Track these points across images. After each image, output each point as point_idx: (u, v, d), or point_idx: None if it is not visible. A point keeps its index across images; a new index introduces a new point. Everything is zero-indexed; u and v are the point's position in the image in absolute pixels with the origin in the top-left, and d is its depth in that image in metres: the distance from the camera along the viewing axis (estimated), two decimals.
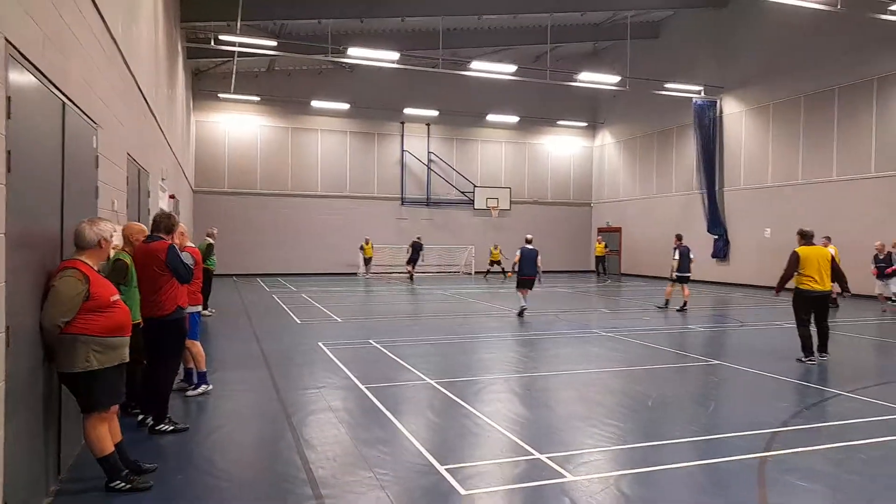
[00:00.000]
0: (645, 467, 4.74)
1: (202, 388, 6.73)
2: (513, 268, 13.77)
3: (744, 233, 23.22)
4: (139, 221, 7.91)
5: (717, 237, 23.98)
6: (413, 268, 25.48)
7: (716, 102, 24.23)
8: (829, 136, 20.01)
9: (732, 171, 23.77)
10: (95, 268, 4.14)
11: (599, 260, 28.67)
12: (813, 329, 8.75)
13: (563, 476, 4.53)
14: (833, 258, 8.76)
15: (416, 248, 25.53)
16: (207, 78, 25.86)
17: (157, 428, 5.38)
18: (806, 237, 8.81)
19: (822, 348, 8.78)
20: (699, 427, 5.85)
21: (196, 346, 6.74)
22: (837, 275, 8.74)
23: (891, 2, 15.51)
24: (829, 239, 15.06)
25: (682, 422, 6.09)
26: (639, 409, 6.50)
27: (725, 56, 23.66)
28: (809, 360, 8.59)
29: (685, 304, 14.99)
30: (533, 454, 4.99)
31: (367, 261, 26.14)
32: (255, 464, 4.94)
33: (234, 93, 24.39)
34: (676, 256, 15.04)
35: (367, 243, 25.93)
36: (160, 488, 4.28)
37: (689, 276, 15.11)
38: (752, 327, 12.69)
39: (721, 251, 23.87)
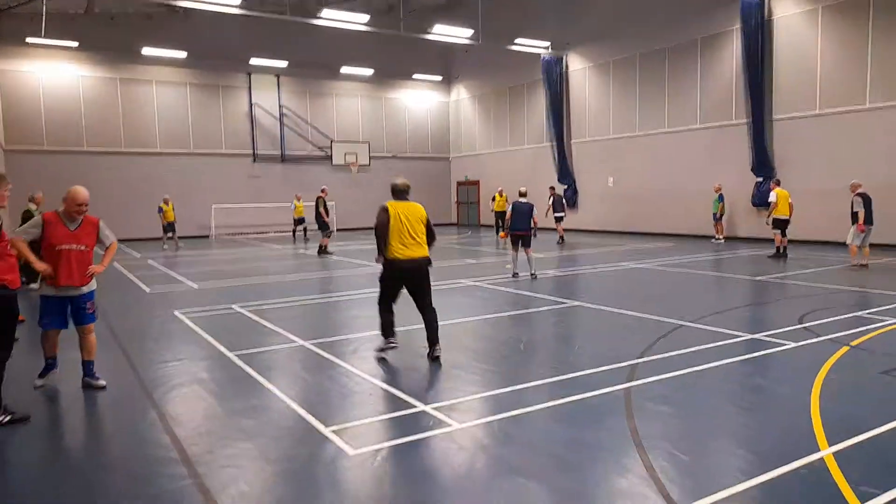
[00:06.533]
0: (525, 407, 4.93)
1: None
2: (506, 224, 12.53)
3: (590, 182, 24.83)
4: None
5: (566, 187, 25.42)
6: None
7: (562, 58, 25.31)
8: (661, 92, 21.75)
9: (579, 124, 25.16)
10: None
11: (500, 216, 22.82)
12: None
13: (450, 425, 4.57)
14: (428, 219, 6.42)
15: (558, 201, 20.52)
16: (10, 19, 22.28)
17: None
18: (397, 193, 6.41)
19: (433, 341, 6.32)
20: (569, 365, 6.19)
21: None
22: (429, 237, 6.42)
23: None
24: (777, 182, 15.18)
25: (553, 362, 6.41)
26: (511, 354, 6.74)
27: (570, 13, 24.65)
28: (390, 344, 6.42)
29: None
30: (417, 406, 4.99)
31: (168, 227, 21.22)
32: (118, 449, 4.45)
33: (46, 37, 21.31)
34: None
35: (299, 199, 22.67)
36: None
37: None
38: (602, 269, 13.68)
39: (570, 200, 25.36)
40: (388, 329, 6.45)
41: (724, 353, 6.36)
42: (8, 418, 4.73)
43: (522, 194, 12.56)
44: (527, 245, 12.24)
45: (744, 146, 18.93)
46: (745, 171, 18.82)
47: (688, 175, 20.79)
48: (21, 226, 5.92)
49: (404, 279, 6.34)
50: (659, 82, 21.77)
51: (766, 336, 7.06)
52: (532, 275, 12.13)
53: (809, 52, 17.59)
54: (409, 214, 6.30)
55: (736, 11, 18.70)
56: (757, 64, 18.26)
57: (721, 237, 19.04)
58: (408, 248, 6.22)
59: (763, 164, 18.47)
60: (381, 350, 6.48)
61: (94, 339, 5.73)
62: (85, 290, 5.60)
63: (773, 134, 18.49)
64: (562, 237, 20.08)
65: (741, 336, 7.09)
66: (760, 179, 18.51)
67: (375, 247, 6.34)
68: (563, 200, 20.70)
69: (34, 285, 11.20)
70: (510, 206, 12.39)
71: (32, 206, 11.60)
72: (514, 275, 12.23)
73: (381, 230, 6.24)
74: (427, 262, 6.35)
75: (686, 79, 20.87)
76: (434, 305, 6.44)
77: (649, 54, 21.97)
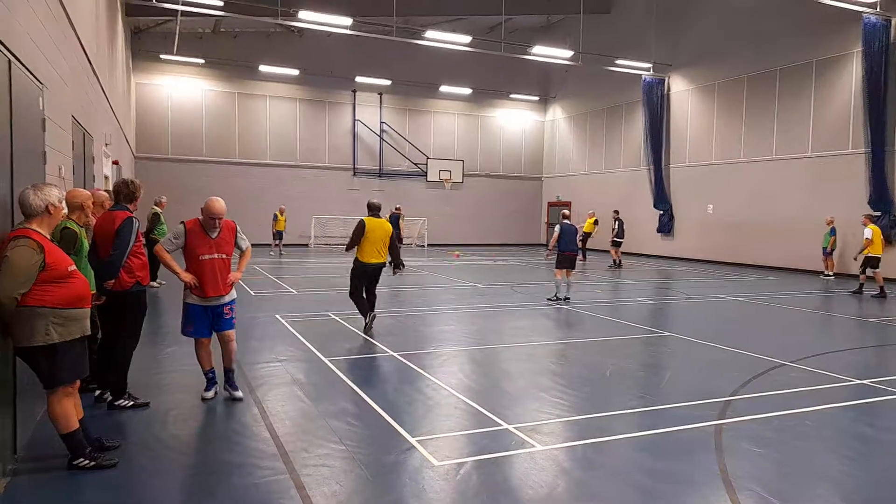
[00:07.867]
0: (609, 435, 4.90)
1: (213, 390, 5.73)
2: (552, 246, 12.37)
3: (687, 208, 23.98)
4: (84, 188, 7.53)
5: (662, 212, 24.69)
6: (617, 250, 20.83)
7: (664, 80, 24.71)
8: (769, 117, 20.75)
9: (678, 149, 24.41)
10: (48, 236, 3.91)
11: (587, 237, 22.29)
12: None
13: (532, 445, 4.63)
14: (392, 234, 8.81)
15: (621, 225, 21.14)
16: (148, 37, 24.56)
17: (116, 403, 5.20)
18: (372, 209, 8.76)
19: (371, 308, 8.89)
20: (657, 396, 6.07)
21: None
22: (393, 248, 8.89)
23: None
24: (871, 218, 14.88)
25: (640, 391, 6.30)
26: (597, 380, 6.69)
27: (674, 34, 24.08)
28: (371, 316, 8.80)
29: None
30: (501, 424, 5.08)
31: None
32: (222, 438, 4.83)
33: (177, 54, 23.28)
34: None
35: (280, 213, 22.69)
36: (125, 465, 4.15)
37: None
38: (697, 300, 13.19)
39: (666, 226, 24.61)
40: (363, 309, 8.81)
41: (827, 397, 6.02)
42: (131, 403, 5.25)
43: (567, 216, 12.54)
44: (571, 266, 12.25)
45: (859, 177, 17.69)
46: (860, 204, 17.54)
47: (796, 205, 19.65)
48: (152, 229, 6.54)
49: (369, 276, 8.81)
50: (768, 106, 20.78)
51: (875, 382, 6.60)
52: (566, 298, 12.05)
53: None
54: (379, 230, 8.68)
55: (857, 33, 17.60)
56: (879, 90, 17.07)
57: (831, 273, 17.85)
58: (376, 256, 8.70)
59: (881, 198, 17.17)
60: (367, 324, 8.78)
61: (234, 347, 5.68)
62: (226, 298, 5.58)
63: (894, 165, 17.18)
64: (614, 262, 20.48)
65: (848, 381, 6.67)
66: (878, 214, 17.21)
67: (347, 245, 8.78)
68: (625, 226, 21.17)
69: (155, 283, 12.26)
70: (558, 228, 12.24)
71: (158, 209, 12.70)
72: (563, 298, 12.00)
73: (354, 239, 8.64)
74: (384, 265, 8.88)
75: (798, 103, 19.81)
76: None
77: (758, 77, 21.04)
